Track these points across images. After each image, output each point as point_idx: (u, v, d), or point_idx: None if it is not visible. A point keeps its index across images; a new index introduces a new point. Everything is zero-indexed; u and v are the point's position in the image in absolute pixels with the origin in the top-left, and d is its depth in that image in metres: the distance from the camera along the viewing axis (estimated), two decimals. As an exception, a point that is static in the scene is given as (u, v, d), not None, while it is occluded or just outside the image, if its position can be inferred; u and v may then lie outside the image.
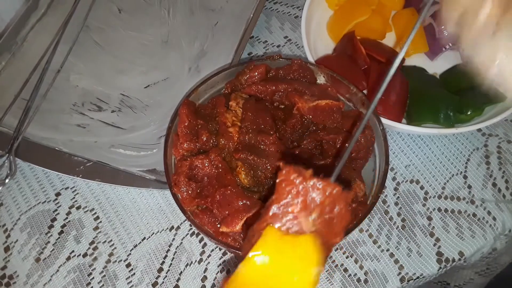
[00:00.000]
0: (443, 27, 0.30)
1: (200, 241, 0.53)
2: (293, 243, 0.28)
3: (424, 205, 0.54)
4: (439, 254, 0.51)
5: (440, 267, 0.50)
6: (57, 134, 0.56)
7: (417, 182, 0.55)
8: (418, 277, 0.50)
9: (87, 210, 0.55)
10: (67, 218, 0.54)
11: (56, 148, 0.55)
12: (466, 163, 0.56)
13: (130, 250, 0.52)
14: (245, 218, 0.40)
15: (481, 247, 0.52)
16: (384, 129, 0.46)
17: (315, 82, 0.51)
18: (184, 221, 0.54)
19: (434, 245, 0.51)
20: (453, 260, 0.51)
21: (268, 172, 0.43)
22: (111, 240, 0.53)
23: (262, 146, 0.44)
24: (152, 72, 0.61)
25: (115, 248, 0.53)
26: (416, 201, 0.54)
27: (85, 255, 0.52)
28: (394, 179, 0.56)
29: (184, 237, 0.53)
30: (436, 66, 0.60)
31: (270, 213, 0.28)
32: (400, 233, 0.52)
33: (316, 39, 0.62)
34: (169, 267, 0.51)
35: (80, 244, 0.53)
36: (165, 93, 0.59)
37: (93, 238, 0.53)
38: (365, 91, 0.55)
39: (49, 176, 0.57)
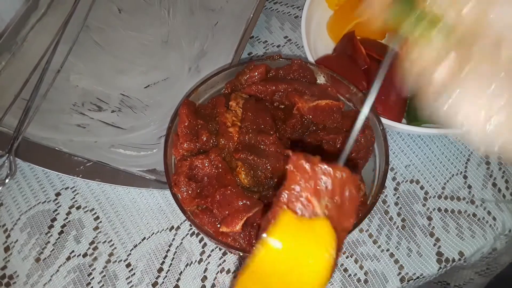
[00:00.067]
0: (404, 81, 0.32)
1: (200, 241, 0.53)
2: (308, 227, 0.28)
3: (424, 205, 0.54)
4: (439, 254, 0.51)
5: (440, 267, 0.50)
6: (57, 134, 0.56)
7: (417, 182, 0.55)
8: (418, 277, 0.50)
9: (87, 210, 0.55)
10: (67, 218, 0.54)
11: (56, 148, 0.55)
12: (466, 163, 0.56)
13: (130, 250, 0.52)
14: (245, 218, 0.40)
15: (481, 247, 0.52)
16: (384, 129, 0.46)
17: (315, 82, 0.51)
18: (184, 221, 0.54)
19: (434, 245, 0.51)
20: (453, 260, 0.51)
21: (268, 172, 0.43)
22: (111, 240, 0.53)
23: (262, 146, 0.44)
24: (152, 72, 0.61)
25: (115, 248, 0.53)
26: (416, 201, 0.54)
27: (85, 255, 0.52)
28: (394, 179, 0.56)
29: (184, 237, 0.53)
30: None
31: (283, 199, 0.29)
32: (400, 233, 0.52)
33: (316, 39, 0.62)
34: (169, 267, 0.51)
35: (80, 244, 0.53)
36: (165, 93, 0.59)
37: (93, 238, 0.53)
38: (365, 91, 0.55)
39: (49, 176, 0.57)
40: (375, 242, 0.52)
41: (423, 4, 0.27)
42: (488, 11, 0.25)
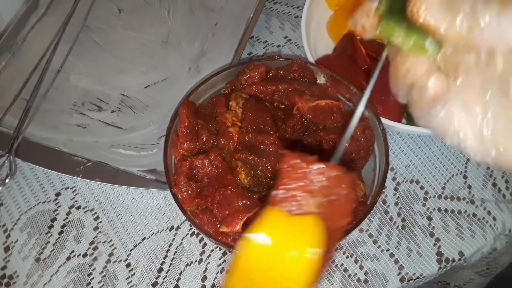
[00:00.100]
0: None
1: (200, 241, 0.53)
2: (296, 224, 0.28)
3: (424, 205, 0.54)
4: (439, 254, 0.51)
5: (440, 267, 0.50)
6: (57, 134, 0.56)
7: (417, 182, 0.55)
8: (418, 277, 0.50)
9: (87, 210, 0.55)
10: (67, 218, 0.54)
11: (56, 148, 0.55)
12: (466, 163, 0.56)
13: (130, 250, 0.52)
14: (245, 218, 0.40)
15: (481, 247, 0.52)
16: (384, 129, 0.46)
17: (315, 82, 0.51)
18: (184, 221, 0.54)
19: (434, 245, 0.51)
20: (453, 260, 0.51)
21: (268, 172, 0.43)
22: (111, 240, 0.53)
23: (262, 146, 0.44)
24: (152, 72, 0.61)
25: (115, 248, 0.53)
26: (416, 201, 0.54)
27: (85, 255, 0.52)
28: (394, 179, 0.56)
29: (184, 237, 0.53)
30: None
31: (276, 197, 0.29)
32: (400, 233, 0.52)
33: (316, 39, 0.62)
34: (169, 267, 0.51)
35: (80, 244, 0.53)
36: (165, 93, 0.59)
37: (93, 238, 0.53)
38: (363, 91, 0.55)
39: (49, 176, 0.57)
40: (375, 242, 0.52)
41: (414, 16, 0.27)
42: (480, 22, 0.25)
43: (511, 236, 0.53)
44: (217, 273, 0.51)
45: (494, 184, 0.55)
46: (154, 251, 0.52)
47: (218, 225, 0.42)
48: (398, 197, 0.54)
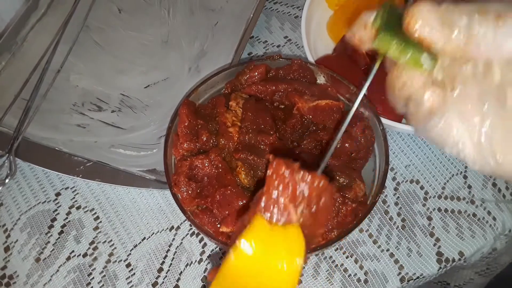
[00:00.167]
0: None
1: (200, 241, 0.53)
2: (280, 233, 0.29)
3: (424, 205, 0.54)
4: (439, 254, 0.51)
5: (440, 267, 0.50)
6: (57, 134, 0.56)
7: (417, 182, 0.55)
8: (418, 277, 0.50)
9: (87, 210, 0.55)
10: (67, 218, 0.54)
11: (56, 148, 0.55)
12: (466, 163, 0.56)
13: (130, 250, 0.52)
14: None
15: (481, 247, 0.52)
16: (384, 129, 0.46)
17: (315, 82, 0.51)
18: (184, 221, 0.54)
19: (434, 245, 0.51)
20: (453, 260, 0.51)
21: (268, 172, 0.43)
22: (111, 240, 0.53)
23: (262, 146, 0.44)
24: (152, 72, 0.61)
25: (115, 248, 0.53)
26: (416, 201, 0.54)
27: (85, 255, 0.52)
28: (394, 179, 0.56)
29: (184, 237, 0.53)
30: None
31: (260, 204, 0.29)
32: (400, 233, 0.52)
33: (316, 39, 0.62)
34: (169, 267, 0.51)
35: (80, 244, 0.53)
36: (165, 93, 0.59)
37: (93, 238, 0.53)
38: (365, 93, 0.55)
39: (49, 176, 0.57)
40: (375, 242, 0.52)
41: (410, 31, 0.27)
42: (476, 35, 0.25)
43: (511, 236, 0.53)
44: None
45: (494, 184, 0.55)
46: (154, 251, 0.52)
47: (218, 225, 0.42)
48: (398, 197, 0.54)
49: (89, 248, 0.53)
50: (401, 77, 0.29)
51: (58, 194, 0.56)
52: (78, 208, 0.55)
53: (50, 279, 0.51)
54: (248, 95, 0.49)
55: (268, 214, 0.29)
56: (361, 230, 0.52)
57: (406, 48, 0.28)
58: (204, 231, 0.42)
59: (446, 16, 0.26)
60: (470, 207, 0.53)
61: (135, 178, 0.53)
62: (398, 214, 0.53)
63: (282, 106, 0.49)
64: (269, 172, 0.29)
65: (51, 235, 0.53)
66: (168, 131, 0.47)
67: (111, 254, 0.52)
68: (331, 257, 0.51)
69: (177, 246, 0.52)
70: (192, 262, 0.52)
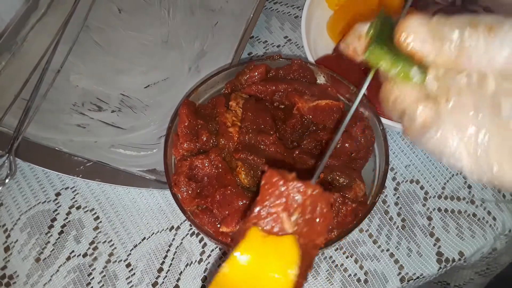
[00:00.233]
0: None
1: (200, 241, 0.53)
2: (274, 243, 0.29)
3: (424, 205, 0.54)
4: (439, 254, 0.51)
5: (440, 267, 0.50)
6: (57, 134, 0.56)
7: (417, 182, 0.55)
8: (418, 277, 0.50)
9: (87, 210, 0.55)
10: (67, 218, 0.54)
11: (56, 148, 0.55)
12: (466, 163, 0.56)
13: (130, 250, 0.52)
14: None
15: (481, 247, 0.52)
16: (384, 129, 0.46)
17: (315, 82, 0.51)
18: (184, 221, 0.54)
19: (434, 245, 0.51)
20: (453, 260, 0.51)
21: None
22: (111, 240, 0.53)
23: (262, 146, 0.44)
24: (152, 72, 0.61)
25: (115, 248, 0.53)
26: (416, 201, 0.54)
27: (85, 255, 0.52)
28: (394, 179, 0.56)
29: (184, 237, 0.53)
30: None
31: (254, 214, 0.30)
32: (400, 233, 0.52)
33: (316, 39, 0.62)
34: (169, 267, 0.51)
35: (80, 244, 0.53)
36: (165, 93, 0.59)
37: (93, 238, 0.53)
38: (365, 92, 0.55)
39: (49, 176, 0.57)
40: (375, 242, 0.52)
41: (401, 44, 0.27)
42: (468, 48, 0.25)
43: (511, 236, 0.53)
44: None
45: (494, 184, 0.55)
46: (154, 251, 0.52)
47: (218, 225, 0.42)
48: (398, 197, 0.54)
49: (89, 248, 0.53)
50: (393, 92, 0.29)
51: (58, 194, 0.56)
52: (78, 208, 0.55)
53: (50, 279, 0.51)
54: (248, 95, 0.49)
55: (262, 224, 0.29)
56: (361, 230, 0.52)
57: (397, 61, 0.28)
58: (204, 231, 0.42)
59: (437, 29, 0.26)
60: (470, 207, 0.53)
61: (135, 178, 0.53)
62: (398, 214, 0.53)
63: (282, 106, 0.49)
64: (262, 182, 0.30)
65: (51, 235, 0.53)
66: (168, 131, 0.47)
67: (111, 254, 0.52)
68: (331, 257, 0.51)
69: (177, 246, 0.52)
70: (192, 262, 0.52)
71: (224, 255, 0.52)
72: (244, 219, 0.31)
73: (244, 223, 0.30)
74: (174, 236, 0.53)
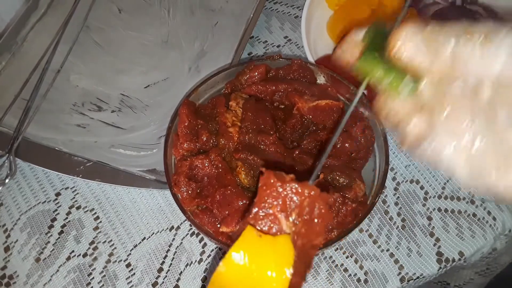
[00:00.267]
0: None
1: (200, 241, 0.53)
2: (270, 242, 0.29)
3: (424, 205, 0.54)
4: (439, 254, 0.51)
5: (440, 267, 0.50)
6: (57, 134, 0.56)
7: (417, 182, 0.55)
8: (418, 277, 0.50)
9: (87, 210, 0.55)
10: (67, 218, 0.54)
11: (56, 148, 0.55)
12: (466, 163, 0.56)
13: (130, 250, 0.52)
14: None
15: (481, 247, 0.52)
16: (384, 129, 0.46)
17: (315, 82, 0.51)
18: (184, 221, 0.54)
19: (434, 245, 0.51)
20: (453, 260, 0.51)
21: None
22: (111, 240, 0.53)
23: (262, 146, 0.44)
24: (152, 72, 0.61)
25: (115, 248, 0.53)
26: (416, 201, 0.54)
27: (85, 255, 0.52)
28: (394, 179, 0.56)
29: (184, 237, 0.53)
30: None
31: (252, 215, 0.30)
32: (400, 233, 0.52)
33: (316, 39, 0.62)
34: (169, 267, 0.51)
35: (80, 244, 0.53)
36: (165, 93, 0.59)
37: (93, 238, 0.53)
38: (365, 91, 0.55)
39: (49, 176, 0.57)
40: (375, 242, 0.52)
41: (394, 54, 0.27)
42: (463, 56, 0.25)
43: (511, 236, 0.53)
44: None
45: (494, 184, 0.55)
46: (154, 251, 0.52)
47: (218, 225, 0.42)
48: (398, 197, 0.54)
49: (89, 248, 0.53)
50: (386, 105, 0.29)
51: (58, 194, 0.56)
52: (78, 208, 0.55)
53: (50, 279, 0.51)
54: (248, 95, 0.49)
55: (260, 224, 0.30)
56: (361, 230, 0.52)
57: (389, 71, 0.28)
58: (204, 231, 0.42)
59: (432, 37, 0.26)
60: (470, 207, 0.53)
61: (135, 178, 0.53)
62: (398, 214, 0.53)
63: (282, 106, 0.49)
64: (260, 183, 0.30)
65: (51, 235, 0.53)
66: (168, 131, 0.47)
67: (111, 254, 0.52)
68: (331, 257, 0.51)
69: (177, 246, 0.52)
70: (192, 262, 0.52)
71: (224, 255, 0.52)
72: (242, 220, 0.31)
73: (243, 224, 0.31)
74: (174, 236, 0.53)
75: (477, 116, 0.26)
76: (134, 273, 0.51)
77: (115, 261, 0.52)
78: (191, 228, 0.53)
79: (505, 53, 0.24)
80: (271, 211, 0.30)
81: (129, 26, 0.65)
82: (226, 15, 0.65)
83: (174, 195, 0.43)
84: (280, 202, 0.30)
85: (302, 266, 0.30)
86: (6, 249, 0.53)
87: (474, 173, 0.26)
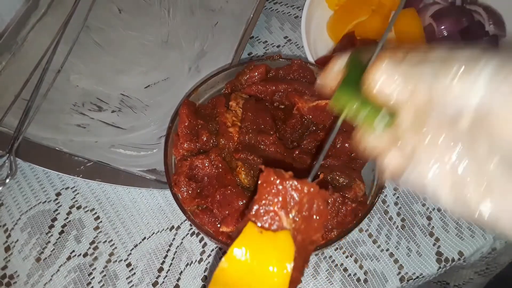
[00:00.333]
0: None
1: (200, 241, 0.53)
2: (270, 238, 0.30)
3: (423, 204, 0.54)
4: (439, 253, 0.51)
5: (440, 267, 0.51)
6: (57, 134, 0.56)
7: (417, 182, 0.55)
8: (417, 277, 0.50)
9: (88, 210, 0.55)
10: (67, 218, 0.54)
11: (57, 148, 0.55)
12: (466, 163, 0.56)
13: (131, 250, 0.52)
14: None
15: (481, 247, 0.52)
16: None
17: (315, 82, 0.51)
18: (184, 221, 0.54)
19: (434, 244, 0.52)
20: (453, 260, 0.51)
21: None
22: (111, 240, 0.53)
23: (262, 146, 0.44)
24: (152, 72, 0.61)
25: (116, 247, 0.53)
26: (416, 201, 0.54)
27: (85, 254, 0.52)
28: (393, 179, 0.56)
29: (184, 237, 0.53)
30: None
31: (252, 212, 0.30)
32: (400, 232, 0.52)
33: (316, 39, 0.62)
34: (169, 266, 0.51)
35: (80, 244, 0.53)
36: (165, 93, 0.60)
37: (94, 238, 0.53)
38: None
39: (50, 176, 0.57)
40: (374, 241, 0.52)
41: (370, 88, 0.27)
42: (440, 88, 0.25)
43: (510, 236, 0.53)
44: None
45: (493, 184, 0.55)
46: (154, 251, 0.52)
47: (218, 225, 0.42)
48: (398, 197, 0.54)
49: (89, 247, 0.53)
50: (363, 141, 0.29)
51: (58, 194, 0.56)
52: (78, 208, 0.55)
53: (51, 279, 0.51)
54: (248, 95, 0.49)
55: (260, 221, 0.30)
56: (360, 230, 0.53)
57: (363, 106, 0.27)
58: (204, 231, 0.42)
59: (408, 72, 0.26)
60: (470, 207, 0.53)
61: (135, 178, 0.53)
62: (398, 214, 0.53)
63: (282, 106, 0.49)
64: (260, 180, 0.30)
65: (52, 235, 0.53)
66: (168, 131, 0.47)
67: (111, 254, 0.52)
68: (331, 256, 0.51)
69: (178, 246, 0.53)
70: (192, 261, 0.52)
71: (224, 255, 0.52)
72: (243, 218, 0.31)
73: (244, 221, 0.31)
74: (175, 236, 0.53)
75: (458, 143, 0.25)
76: (135, 273, 0.51)
77: (116, 260, 0.52)
78: (191, 228, 0.53)
79: (483, 86, 0.23)
80: (271, 208, 0.30)
81: (129, 26, 0.66)
82: (226, 15, 0.65)
83: (174, 195, 0.43)
84: (280, 199, 0.30)
85: (301, 261, 0.30)
86: (7, 249, 0.53)
87: (459, 200, 0.26)
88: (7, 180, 0.54)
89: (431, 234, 0.52)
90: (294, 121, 0.47)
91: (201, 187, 0.44)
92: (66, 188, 0.56)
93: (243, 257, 0.29)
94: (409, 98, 0.26)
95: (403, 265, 0.51)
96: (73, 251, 0.52)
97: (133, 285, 0.51)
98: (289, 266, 0.29)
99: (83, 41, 0.64)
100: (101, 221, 0.54)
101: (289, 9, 0.69)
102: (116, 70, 0.62)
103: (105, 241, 0.53)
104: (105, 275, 0.51)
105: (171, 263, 0.52)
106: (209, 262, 0.52)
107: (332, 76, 0.31)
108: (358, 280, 0.50)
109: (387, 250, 0.51)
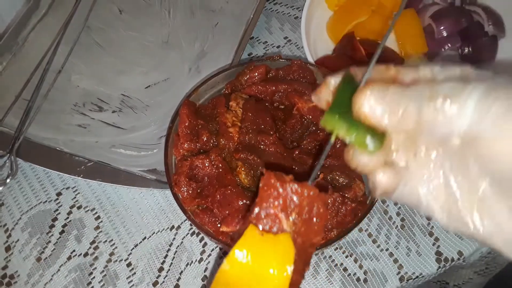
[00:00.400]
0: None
1: (200, 241, 0.53)
2: (271, 241, 0.30)
3: (423, 205, 0.54)
4: (438, 253, 0.51)
5: (439, 267, 0.51)
6: (58, 134, 0.56)
7: (417, 182, 0.55)
8: (417, 277, 0.50)
9: (88, 210, 0.55)
10: (68, 217, 0.55)
11: (57, 148, 0.55)
12: (465, 163, 0.56)
13: (131, 250, 0.53)
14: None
15: (480, 247, 0.52)
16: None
17: (315, 82, 0.51)
18: (184, 221, 0.54)
19: (433, 244, 0.52)
20: (452, 260, 0.51)
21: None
22: (111, 240, 0.53)
23: (262, 146, 0.44)
24: (152, 73, 0.62)
25: (116, 247, 0.53)
26: (416, 201, 0.54)
27: (86, 254, 0.52)
28: (393, 179, 0.56)
29: (184, 237, 0.53)
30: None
31: (253, 214, 0.31)
32: (399, 232, 0.52)
33: (316, 40, 0.62)
34: (169, 266, 0.52)
35: (81, 244, 0.53)
36: (166, 94, 0.60)
37: (94, 238, 0.53)
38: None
39: (50, 176, 0.57)
40: (374, 241, 0.52)
41: (358, 113, 0.27)
42: (426, 116, 0.25)
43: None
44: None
45: (493, 184, 0.55)
46: (154, 251, 0.52)
47: (219, 225, 0.42)
48: (398, 197, 0.54)
49: (90, 247, 0.53)
50: (353, 159, 0.29)
51: (59, 194, 0.56)
52: (79, 207, 0.55)
53: (51, 279, 0.51)
54: (248, 95, 0.49)
55: (261, 223, 0.31)
56: (360, 230, 0.53)
57: (351, 129, 0.27)
58: (205, 231, 0.42)
59: (394, 102, 0.26)
60: (469, 207, 0.54)
61: (135, 178, 0.53)
62: (398, 214, 0.53)
63: (282, 107, 0.49)
64: (261, 184, 0.31)
65: (52, 235, 0.54)
66: (168, 131, 0.47)
67: (112, 254, 0.52)
68: (330, 256, 0.51)
69: (178, 246, 0.53)
70: (192, 261, 0.52)
71: (224, 255, 0.52)
72: (244, 220, 0.32)
73: (244, 224, 0.31)
74: (175, 235, 0.53)
75: (450, 160, 0.25)
76: (135, 273, 0.51)
77: (116, 260, 0.52)
78: (192, 228, 0.54)
79: (471, 110, 0.23)
80: (272, 211, 0.30)
81: (129, 27, 0.66)
82: (226, 16, 0.66)
83: (175, 195, 0.43)
84: (281, 202, 0.30)
85: (301, 264, 0.31)
86: (7, 248, 0.53)
87: (453, 215, 0.26)
88: (8, 180, 0.54)
89: (431, 234, 0.52)
90: (294, 121, 0.47)
91: (201, 187, 0.44)
92: (67, 188, 0.56)
93: (244, 259, 0.30)
94: (398, 122, 0.26)
95: (403, 264, 0.51)
96: (74, 250, 0.53)
97: (133, 285, 0.51)
98: (289, 269, 0.29)
99: (84, 41, 0.64)
100: (101, 221, 0.54)
101: (289, 9, 0.70)
102: (117, 71, 0.62)
103: (106, 240, 0.53)
104: (105, 275, 0.51)
105: (172, 263, 0.52)
106: (209, 262, 0.52)
107: (326, 93, 0.31)
108: (358, 279, 0.50)
109: (387, 249, 0.51)
